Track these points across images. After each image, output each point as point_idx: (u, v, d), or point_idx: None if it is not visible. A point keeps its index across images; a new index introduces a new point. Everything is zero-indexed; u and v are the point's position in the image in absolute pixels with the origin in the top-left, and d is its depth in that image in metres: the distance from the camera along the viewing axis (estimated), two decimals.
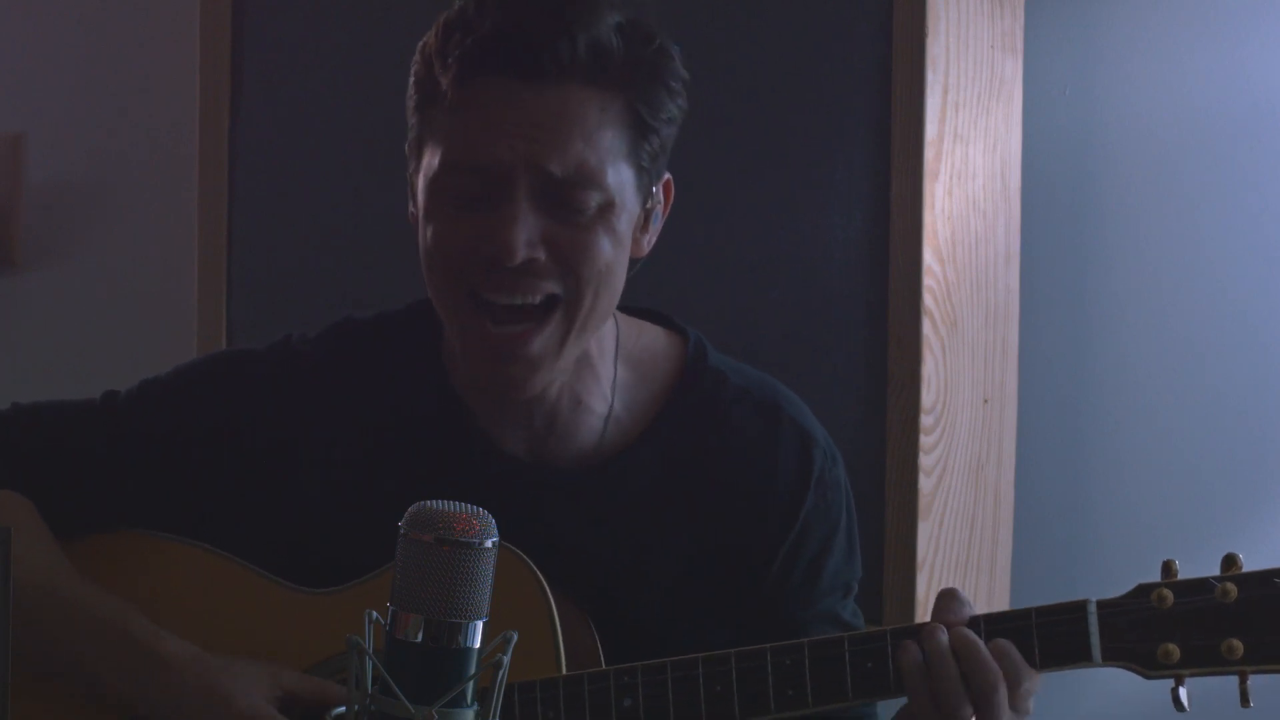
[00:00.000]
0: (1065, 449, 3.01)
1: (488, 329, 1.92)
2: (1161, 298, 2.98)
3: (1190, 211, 2.97)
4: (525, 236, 1.89)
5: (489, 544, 1.44)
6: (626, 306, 2.07)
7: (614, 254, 1.94)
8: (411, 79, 1.98)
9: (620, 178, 1.93)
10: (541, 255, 1.90)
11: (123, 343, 3.36)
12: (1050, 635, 1.86)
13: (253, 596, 2.02)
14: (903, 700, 1.91)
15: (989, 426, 2.82)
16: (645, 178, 1.96)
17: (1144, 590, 1.86)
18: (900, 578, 2.66)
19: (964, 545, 2.77)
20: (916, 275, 2.66)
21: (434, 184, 1.93)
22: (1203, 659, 1.83)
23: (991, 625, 1.88)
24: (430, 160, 1.94)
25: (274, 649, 1.98)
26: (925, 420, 2.66)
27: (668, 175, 2.02)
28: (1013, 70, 2.86)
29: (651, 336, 2.09)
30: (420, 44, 1.98)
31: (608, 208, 1.92)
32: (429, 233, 1.95)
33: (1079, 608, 1.86)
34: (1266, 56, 2.93)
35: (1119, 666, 1.86)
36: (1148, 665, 1.85)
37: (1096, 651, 1.85)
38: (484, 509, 1.46)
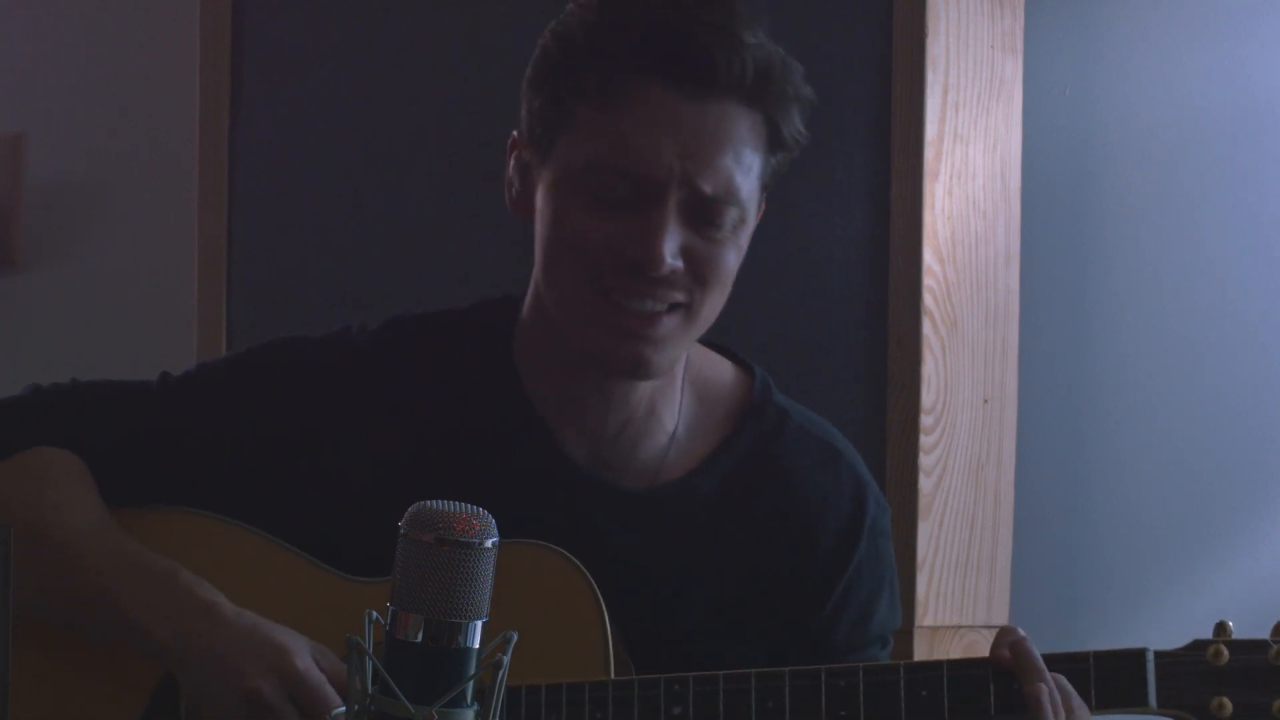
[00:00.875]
0: (1065, 449, 3.01)
1: (616, 316, 1.93)
2: (1161, 298, 2.98)
3: (1190, 211, 2.97)
4: (671, 247, 1.90)
5: (489, 544, 1.44)
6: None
7: (735, 266, 1.97)
8: (540, 64, 1.96)
9: (753, 192, 1.95)
10: (681, 266, 1.91)
11: (123, 343, 3.36)
12: (1108, 678, 1.89)
13: (295, 579, 2.01)
14: None
15: (989, 426, 2.82)
16: (764, 194, 1.98)
17: (1200, 645, 1.90)
18: (900, 578, 2.65)
19: (964, 545, 2.77)
20: (916, 275, 2.66)
21: (576, 180, 1.93)
22: (1254, 715, 1.88)
23: (1049, 664, 1.89)
24: (569, 156, 1.93)
25: (313, 633, 1.97)
26: (925, 420, 2.66)
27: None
28: (1013, 70, 2.86)
29: (717, 366, 2.10)
30: (553, 29, 1.96)
31: (740, 224, 1.94)
32: (562, 226, 1.94)
33: (1138, 655, 1.89)
34: (1266, 56, 2.93)
35: (1172, 715, 1.89)
36: (1200, 716, 1.88)
37: (1153, 697, 1.88)
38: (480, 507, 1.46)
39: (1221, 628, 1.90)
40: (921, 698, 1.89)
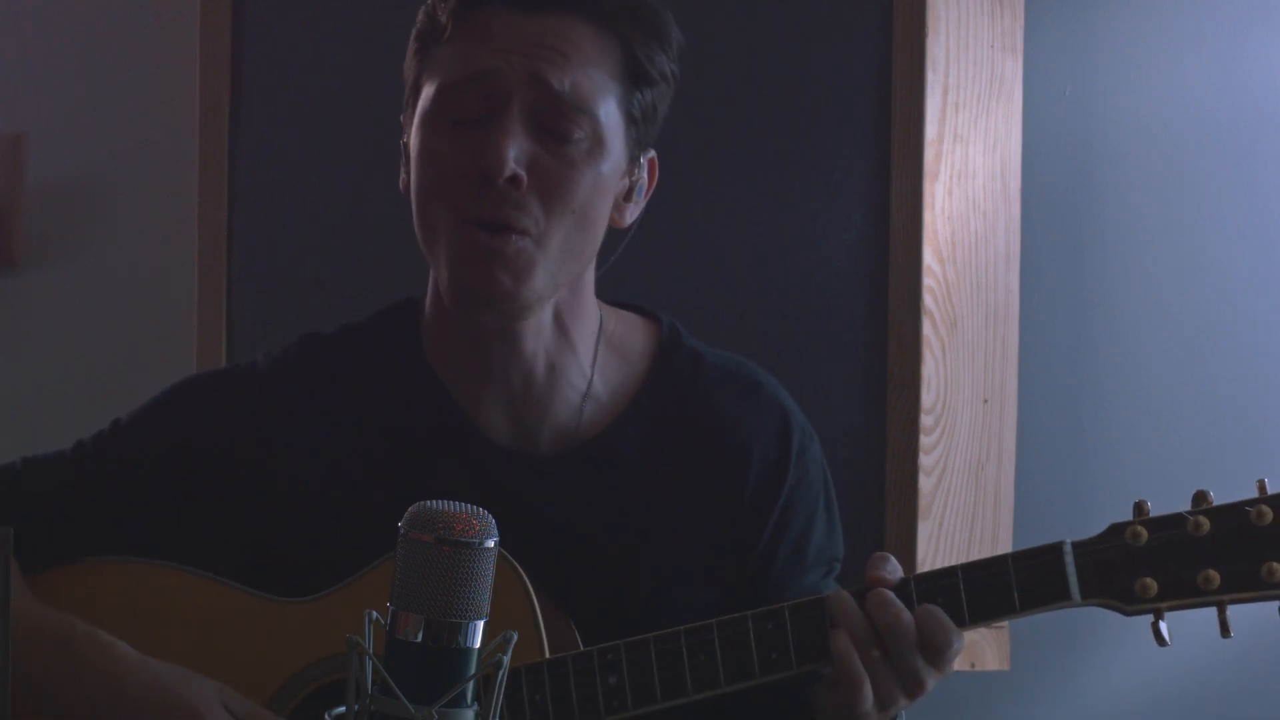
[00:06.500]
0: (1065, 449, 3.01)
1: (470, 238, 1.93)
2: (1161, 298, 2.98)
3: (1190, 211, 2.97)
4: (514, 153, 1.90)
5: (489, 544, 1.45)
6: (605, 299, 2.09)
7: (593, 197, 1.95)
8: (412, 38, 2.00)
9: (610, 118, 1.94)
10: (524, 175, 1.91)
11: (123, 342, 3.36)
12: (1029, 577, 1.88)
13: (232, 609, 2.01)
14: None
15: (989, 426, 2.82)
16: (634, 131, 1.98)
17: (1118, 528, 1.88)
18: None
19: (964, 545, 2.77)
20: (916, 275, 2.66)
21: (430, 110, 1.95)
22: (1180, 591, 1.85)
23: (966, 571, 1.90)
24: (427, 94, 1.95)
25: (257, 659, 1.97)
26: (925, 420, 2.66)
27: (654, 153, 2.03)
28: (1013, 70, 2.86)
29: (629, 323, 2.11)
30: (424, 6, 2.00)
31: (595, 147, 1.94)
32: (422, 161, 1.95)
33: (1055, 549, 1.88)
34: (1266, 56, 2.93)
35: (1098, 604, 1.88)
36: (1127, 601, 1.87)
37: (1075, 590, 1.87)
38: (480, 507, 1.46)
39: (1139, 507, 1.89)
40: None
